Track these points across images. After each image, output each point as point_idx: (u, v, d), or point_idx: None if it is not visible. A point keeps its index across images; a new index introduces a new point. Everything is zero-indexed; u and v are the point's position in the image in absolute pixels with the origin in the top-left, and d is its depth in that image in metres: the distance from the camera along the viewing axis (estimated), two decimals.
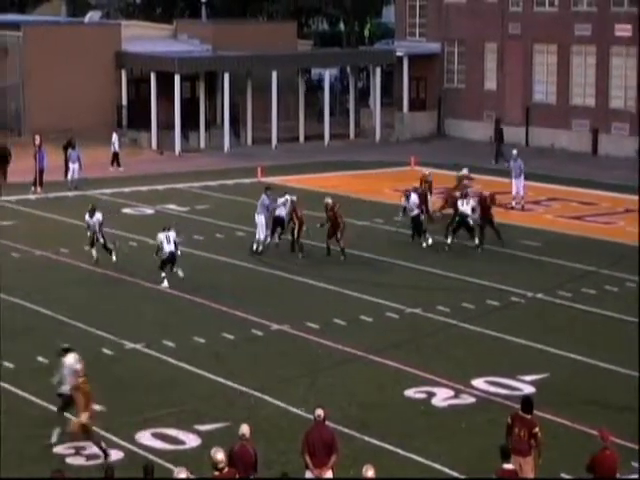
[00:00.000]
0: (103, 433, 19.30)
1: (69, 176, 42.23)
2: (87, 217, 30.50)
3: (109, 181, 43.20)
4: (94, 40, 52.84)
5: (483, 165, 45.97)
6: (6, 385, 21.56)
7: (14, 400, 20.93)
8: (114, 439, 19.11)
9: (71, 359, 19.44)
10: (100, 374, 22.28)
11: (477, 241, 32.39)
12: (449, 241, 32.36)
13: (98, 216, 30.25)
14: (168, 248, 28.53)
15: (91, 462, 18.41)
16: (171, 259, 28.60)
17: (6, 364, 22.68)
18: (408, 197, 33.04)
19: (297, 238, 31.81)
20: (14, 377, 21.98)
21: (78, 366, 19.13)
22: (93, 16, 61.09)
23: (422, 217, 32.99)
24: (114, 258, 30.34)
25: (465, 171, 36.17)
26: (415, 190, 33.58)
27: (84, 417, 18.41)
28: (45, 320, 25.88)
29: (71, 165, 42.27)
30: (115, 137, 46.32)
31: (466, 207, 32.21)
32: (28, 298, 27.34)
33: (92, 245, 30.42)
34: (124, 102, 53.20)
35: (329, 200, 32.13)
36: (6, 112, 51.99)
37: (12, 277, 29.43)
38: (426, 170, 37.43)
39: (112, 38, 53.50)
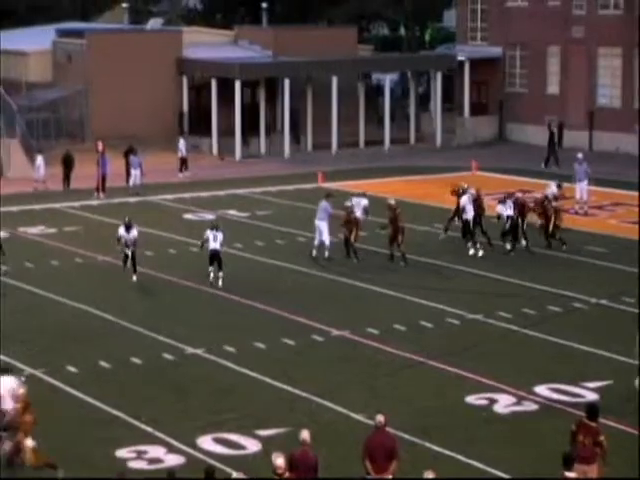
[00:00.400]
0: (164, 438, 19.40)
1: (131, 182, 42.63)
2: (122, 231, 29.39)
3: (170, 187, 43.48)
4: (156, 47, 53.25)
5: (543, 170, 45.79)
6: (69, 389, 21.77)
7: (77, 404, 21.12)
8: (176, 444, 19.19)
9: (8, 385, 18.52)
10: (161, 379, 22.45)
11: (524, 243, 32.47)
12: (509, 246, 32.45)
13: (134, 233, 29.39)
14: (212, 245, 29.05)
15: (153, 466, 18.50)
16: (214, 256, 29.03)
17: (69, 368, 22.90)
18: (460, 195, 33.02)
19: (352, 242, 31.83)
20: (77, 381, 22.19)
21: (20, 391, 18.27)
22: (155, 23, 61.60)
23: (469, 221, 32.46)
24: (134, 278, 29.36)
25: (553, 186, 35.25)
26: (466, 192, 33.23)
27: (30, 443, 17.79)
28: (107, 325, 26.08)
29: (133, 171, 42.67)
30: (182, 143, 46.66)
31: (509, 211, 32.33)
32: (90, 303, 27.57)
33: (125, 263, 29.37)
34: (185, 108, 53.56)
35: (392, 201, 32.27)
36: (69, 119, 52.56)
37: (75, 282, 29.73)
38: (464, 183, 36.01)
39: (173, 45, 53.90)
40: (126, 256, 29.45)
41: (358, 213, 32.54)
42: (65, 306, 27.55)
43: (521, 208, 32.60)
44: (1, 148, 45.26)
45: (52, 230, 36.15)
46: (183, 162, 46.37)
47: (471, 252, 32.11)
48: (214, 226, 29.74)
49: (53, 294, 28.42)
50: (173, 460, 18.62)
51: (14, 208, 39.54)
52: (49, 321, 26.29)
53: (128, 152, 43.82)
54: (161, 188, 42.87)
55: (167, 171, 45.94)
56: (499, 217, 32.63)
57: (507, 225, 32.42)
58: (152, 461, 18.66)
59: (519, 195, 34.42)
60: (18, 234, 35.72)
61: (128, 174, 43.11)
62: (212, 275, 29.12)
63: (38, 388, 21.81)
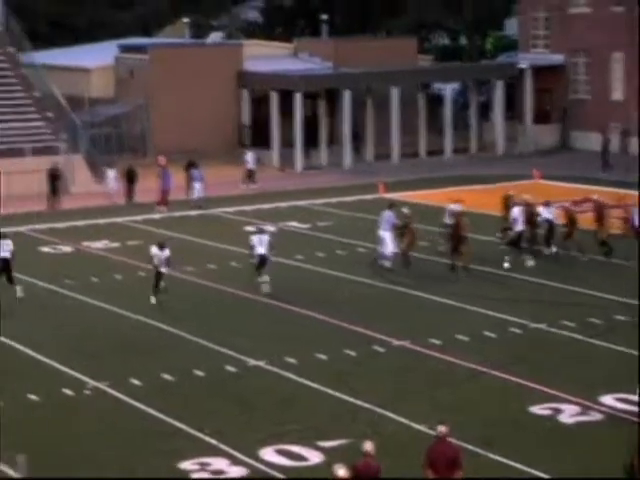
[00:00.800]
0: (228, 449, 19.44)
1: (193, 195, 42.91)
2: (155, 250, 29.06)
3: (232, 199, 43.69)
4: (216, 60, 53.63)
5: (605, 177, 45.38)
6: (133, 402, 21.91)
7: (141, 416, 21.25)
8: (238, 455, 19.21)
9: None
10: (224, 391, 22.52)
11: (549, 249, 32.67)
12: (554, 249, 32.64)
13: (167, 252, 28.97)
14: (259, 251, 29.22)
15: (216, 477, 18.54)
16: (262, 262, 29.23)
17: (133, 381, 23.06)
18: (509, 207, 33.08)
19: (405, 249, 31.74)
20: (141, 394, 22.33)
21: None
22: (215, 37, 62.05)
23: (515, 234, 32.20)
24: (153, 300, 28.73)
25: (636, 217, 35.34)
26: (518, 204, 33.05)
27: None
28: (169, 337, 26.23)
29: (195, 184, 42.96)
30: (250, 155, 46.96)
31: (549, 215, 32.60)
32: (154, 316, 27.76)
33: (157, 283, 28.84)
34: (246, 121, 53.80)
35: (456, 208, 32.54)
36: (131, 134, 53.06)
37: (138, 296, 29.94)
38: (511, 192, 35.78)
39: (234, 58, 54.23)
40: (158, 274, 28.98)
41: (448, 220, 32.86)
42: (129, 319, 27.77)
43: (571, 220, 32.64)
44: (65, 164, 45.75)
45: (116, 244, 36.49)
46: (250, 174, 46.63)
47: (529, 263, 31.83)
48: (259, 230, 30.01)
49: (117, 308, 28.66)
50: (236, 472, 18.64)
51: (78, 223, 40.02)
52: (113, 334, 26.50)
53: (189, 165, 44.17)
54: (222, 201, 43.09)
55: (228, 184, 46.17)
56: (538, 215, 32.71)
57: (546, 229, 32.60)
58: (215, 473, 18.70)
59: (569, 207, 34.40)
60: (82, 249, 36.13)
61: (189, 187, 43.42)
62: (265, 287, 29.17)
63: (102, 401, 22.04)
